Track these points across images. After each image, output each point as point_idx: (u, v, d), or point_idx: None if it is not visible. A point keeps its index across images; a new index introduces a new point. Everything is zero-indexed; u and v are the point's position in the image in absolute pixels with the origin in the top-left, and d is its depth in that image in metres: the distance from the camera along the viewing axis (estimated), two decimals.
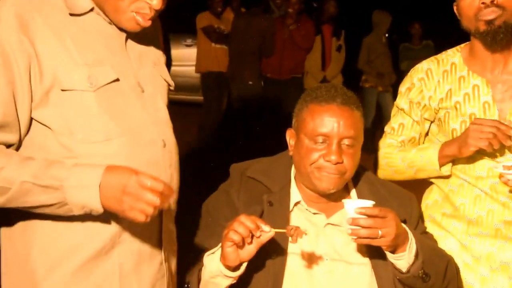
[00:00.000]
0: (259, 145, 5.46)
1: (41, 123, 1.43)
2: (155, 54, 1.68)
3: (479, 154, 1.88)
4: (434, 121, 2.06)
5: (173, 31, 6.61)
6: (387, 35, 7.27)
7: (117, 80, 1.49)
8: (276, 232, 1.51)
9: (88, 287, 1.45)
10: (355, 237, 1.57)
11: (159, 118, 1.59)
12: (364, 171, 1.88)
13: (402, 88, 2.09)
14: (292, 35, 6.24)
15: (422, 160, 2.00)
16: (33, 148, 1.43)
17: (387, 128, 2.14)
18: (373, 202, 1.61)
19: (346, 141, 1.67)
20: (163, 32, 1.89)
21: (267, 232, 1.49)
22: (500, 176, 1.80)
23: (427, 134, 2.11)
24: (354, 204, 1.59)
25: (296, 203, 1.77)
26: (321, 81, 6.45)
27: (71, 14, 1.46)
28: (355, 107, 1.70)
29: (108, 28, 1.53)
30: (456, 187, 2.00)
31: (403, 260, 1.65)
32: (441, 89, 2.00)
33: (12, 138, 1.41)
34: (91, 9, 1.50)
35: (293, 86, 6.20)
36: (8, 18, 1.38)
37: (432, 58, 2.06)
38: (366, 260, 1.74)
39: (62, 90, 1.42)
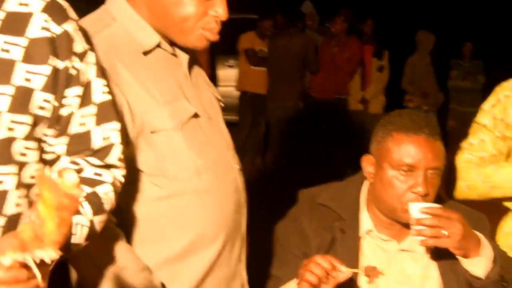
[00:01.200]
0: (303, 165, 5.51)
1: (133, 167, 1.39)
2: (204, 75, 1.64)
3: None
4: None
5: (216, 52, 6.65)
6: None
7: (196, 114, 1.48)
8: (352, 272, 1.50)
9: None
10: (421, 238, 1.55)
11: (228, 142, 1.57)
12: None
13: (486, 105, 2.01)
14: (335, 57, 6.22)
15: (499, 176, 1.92)
16: (126, 189, 1.38)
17: (464, 144, 2.05)
18: (438, 205, 1.59)
19: (431, 172, 1.64)
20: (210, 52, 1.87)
21: (343, 272, 1.47)
22: None
23: (508, 155, 2.01)
24: (419, 205, 1.57)
25: (368, 231, 1.72)
26: (360, 101, 6.43)
27: (144, 53, 1.43)
28: (439, 137, 1.67)
29: (172, 60, 1.51)
30: None
31: (479, 266, 1.59)
32: None
33: None
34: (159, 43, 1.46)
35: (337, 107, 6.18)
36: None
37: None
38: (438, 284, 1.69)
39: (152, 132, 1.40)
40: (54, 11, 1.14)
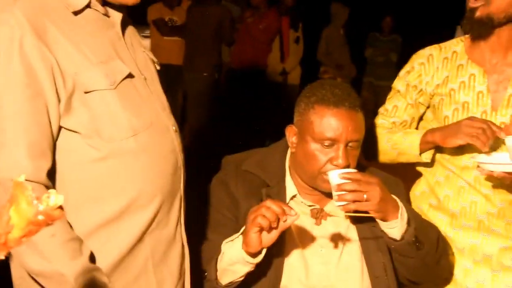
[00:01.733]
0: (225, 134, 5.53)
1: (67, 129, 1.37)
2: (138, 37, 1.64)
3: (469, 145, 1.86)
4: (428, 107, 2.05)
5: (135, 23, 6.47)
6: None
7: (130, 74, 1.46)
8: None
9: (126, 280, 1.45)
10: (342, 204, 1.59)
11: (164, 103, 1.57)
12: None
13: (402, 72, 2.09)
14: (249, 28, 6.24)
15: (405, 143, 1.99)
16: (60, 153, 1.37)
17: (380, 109, 2.14)
18: (355, 170, 1.64)
19: (351, 144, 1.68)
20: None
21: (293, 215, 1.49)
22: (477, 167, 1.79)
23: (420, 119, 2.10)
24: (338, 172, 1.61)
25: (292, 197, 1.77)
26: (280, 73, 6.47)
27: (74, 13, 1.40)
28: (359, 109, 1.71)
29: (104, 20, 1.49)
30: (443, 178, 2.01)
31: (396, 228, 1.66)
32: (439, 75, 1.99)
33: (50, 160, 1.34)
34: (88, 3, 1.43)
35: (256, 79, 6.20)
36: (23, 29, 1.29)
37: (435, 45, 2.05)
38: (357, 247, 1.76)
39: (85, 92, 1.37)
40: None
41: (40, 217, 0.81)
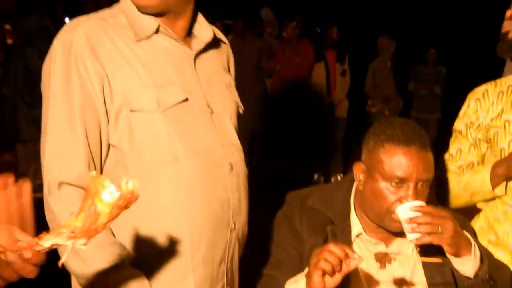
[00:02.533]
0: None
1: (113, 145, 1.42)
2: (226, 77, 1.67)
3: None
4: (487, 143, 2.03)
5: None
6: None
7: (186, 100, 1.48)
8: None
9: None
10: (416, 237, 1.55)
11: (227, 140, 1.57)
12: None
13: (461, 111, 2.09)
14: (287, 63, 6.25)
15: (476, 182, 1.97)
16: (106, 170, 1.42)
17: (446, 155, 2.13)
18: (423, 202, 1.61)
19: (421, 183, 1.66)
20: None
21: (356, 259, 1.47)
22: None
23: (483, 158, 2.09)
24: (407, 205, 1.59)
25: (358, 235, 1.75)
26: (327, 106, 6.44)
27: (143, 38, 1.47)
28: (429, 148, 1.69)
29: (176, 48, 1.53)
30: (502, 214, 1.97)
31: (469, 265, 1.62)
32: (494, 109, 1.98)
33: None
34: (157, 30, 1.48)
35: (300, 110, 6.15)
36: (81, 42, 1.39)
37: (491, 81, 2.05)
38: (424, 283, 1.73)
39: (132, 111, 1.42)
40: None
41: (120, 202, 0.92)
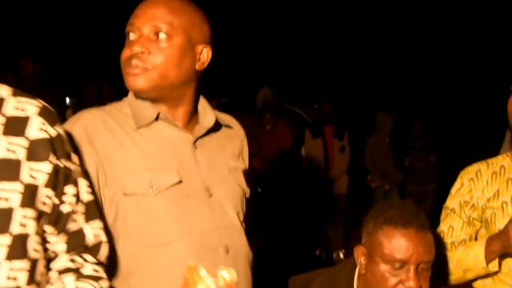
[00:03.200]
0: None
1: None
2: (232, 162, 1.69)
3: None
4: (482, 222, 2.03)
5: None
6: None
7: (180, 182, 1.50)
8: None
9: None
10: None
11: (225, 223, 1.57)
12: None
13: (453, 190, 2.09)
14: (266, 150, 6.17)
15: (469, 258, 1.94)
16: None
17: (437, 232, 2.10)
18: None
19: (422, 265, 1.66)
20: None
21: None
22: None
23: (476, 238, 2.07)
24: None
25: None
26: (324, 182, 6.42)
27: (142, 126, 1.53)
28: (429, 229, 1.70)
29: (176, 134, 1.58)
30: None
31: None
32: (489, 190, 1.99)
33: None
34: (156, 118, 1.54)
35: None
36: (79, 132, 1.47)
37: (482, 161, 2.08)
38: None
39: (125, 194, 1.46)
40: (47, 115, 1.25)
41: None
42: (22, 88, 1.31)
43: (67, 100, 6.56)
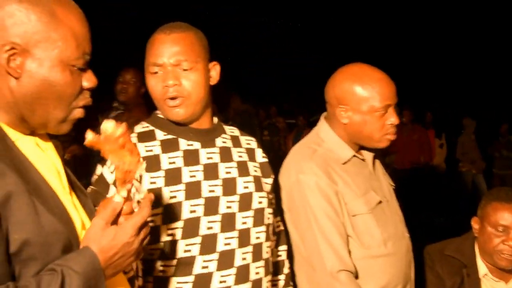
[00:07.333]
0: None
1: (350, 236, 1.86)
2: (381, 167, 2.08)
3: None
4: None
5: None
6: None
7: (380, 202, 1.89)
8: None
9: None
10: None
11: (400, 216, 2.04)
12: None
13: None
14: (407, 139, 8.05)
15: None
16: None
17: None
18: None
19: None
20: None
21: None
22: None
23: None
24: None
25: (484, 275, 2.16)
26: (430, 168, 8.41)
27: (344, 163, 1.91)
28: None
29: (362, 162, 1.96)
30: None
31: None
32: None
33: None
34: (352, 156, 1.93)
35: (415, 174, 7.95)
36: (317, 174, 1.83)
37: None
38: None
39: (353, 215, 1.84)
40: (261, 147, 1.81)
41: (120, 141, 1.07)
42: None
43: None
